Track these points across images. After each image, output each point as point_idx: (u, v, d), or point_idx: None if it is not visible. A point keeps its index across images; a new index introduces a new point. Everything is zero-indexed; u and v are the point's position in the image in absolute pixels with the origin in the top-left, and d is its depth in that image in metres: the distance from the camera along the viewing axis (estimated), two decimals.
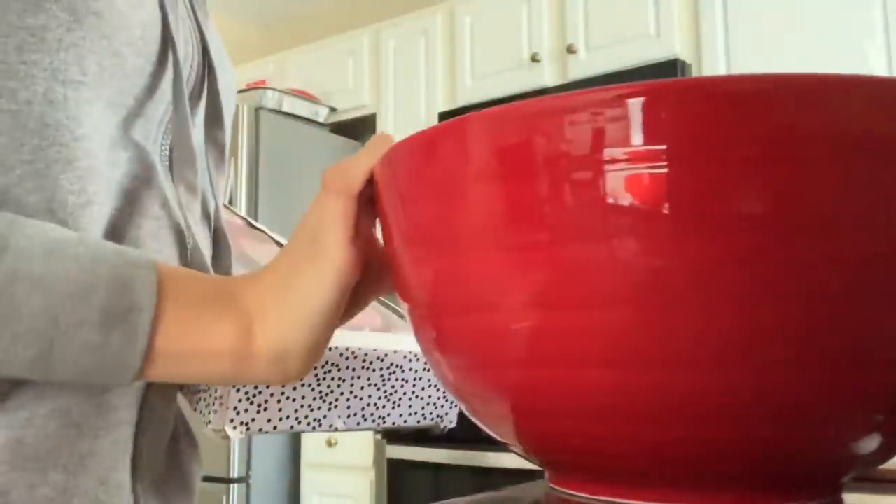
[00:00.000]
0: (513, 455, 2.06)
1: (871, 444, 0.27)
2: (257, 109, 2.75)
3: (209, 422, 0.46)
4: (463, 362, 0.31)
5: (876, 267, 0.24)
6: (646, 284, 0.26)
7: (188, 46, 0.52)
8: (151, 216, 0.48)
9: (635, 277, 0.26)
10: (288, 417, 0.47)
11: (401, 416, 0.53)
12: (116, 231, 0.46)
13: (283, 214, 2.77)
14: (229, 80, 0.60)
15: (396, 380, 0.52)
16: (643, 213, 0.25)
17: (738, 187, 0.25)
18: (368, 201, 0.40)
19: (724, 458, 0.27)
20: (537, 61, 2.62)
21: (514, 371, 0.29)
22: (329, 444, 2.62)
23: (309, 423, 0.48)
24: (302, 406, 0.48)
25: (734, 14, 2.26)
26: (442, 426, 0.56)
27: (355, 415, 0.50)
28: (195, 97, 0.54)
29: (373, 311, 0.54)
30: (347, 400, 0.50)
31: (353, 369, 0.50)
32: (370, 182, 0.38)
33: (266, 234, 0.62)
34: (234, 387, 0.45)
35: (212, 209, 0.55)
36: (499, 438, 0.34)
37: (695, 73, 2.32)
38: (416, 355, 0.52)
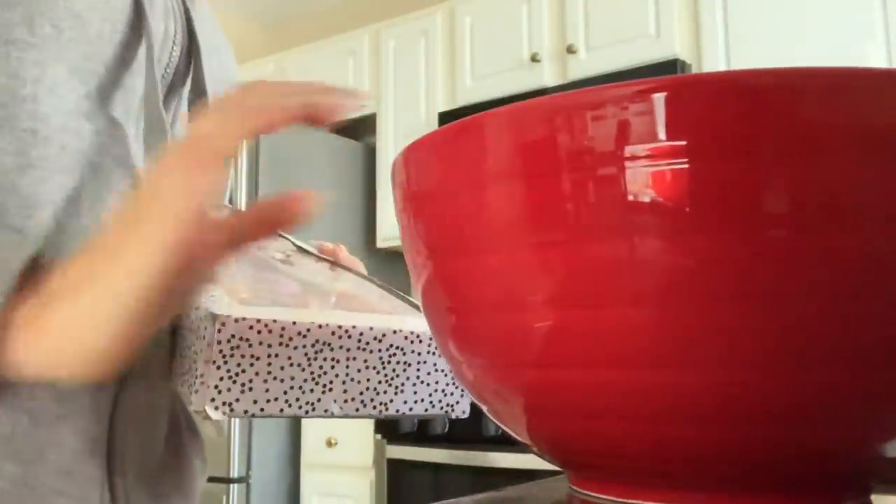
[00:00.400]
0: (513, 455, 2.06)
1: None
2: None
3: (191, 403, 0.43)
4: (483, 362, 0.31)
5: None
6: (668, 283, 0.26)
7: (169, 21, 0.51)
8: (117, 192, 0.47)
9: (658, 276, 0.26)
10: (276, 399, 0.44)
11: (405, 403, 0.49)
12: (72, 202, 0.45)
13: None
14: (225, 62, 0.59)
15: (398, 363, 0.49)
16: (665, 211, 0.25)
17: (761, 183, 0.24)
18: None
19: (750, 460, 0.27)
20: (537, 61, 2.61)
21: (536, 371, 0.29)
22: (329, 444, 2.61)
23: (301, 407, 0.45)
24: (292, 388, 0.45)
25: (734, 14, 2.26)
26: (453, 416, 0.52)
27: (353, 400, 0.47)
28: (180, 76, 0.53)
29: (383, 300, 0.52)
30: (343, 383, 0.47)
31: (348, 349, 0.47)
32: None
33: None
34: (214, 364, 0.43)
35: None
36: (519, 439, 0.34)
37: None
38: (418, 337, 0.49)
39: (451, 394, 0.51)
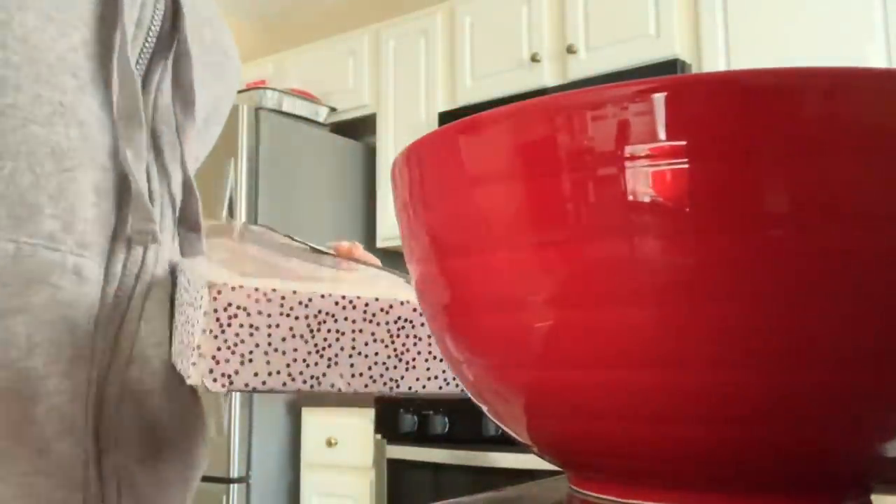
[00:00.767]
0: (512, 455, 2.06)
1: None
2: (257, 109, 2.75)
3: (189, 377, 0.42)
4: (483, 362, 0.31)
5: None
6: (668, 283, 0.26)
7: None
8: (99, 166, 0.47)
9: (657, 276, 0.26)
10: (279, 373, 0.43)
11: (417, 380, 0.47)
12: (59, 159, 0.45)
13: (283, 214, 2.77)
14: (220, 39, 0.58)
15: (407, 336, 0.47)
16: (665, 211, 0.25)
17: (761, 183, 0.24)
18: None
19: (750, 460, 0.27)
20: (537, 61, 2.62)
21: (536, 371, 0.29)
22: (329, 444, 2.61)
23: (305, 381, 0.44)
24: (295, 360, 0.43)
25: (734, 14, 2.26)
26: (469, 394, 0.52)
27: (361, 375, 0.45)
28: (164, 42, 0.52)
29: (395, 287, 0.51)
30: (350, 357, 0.45)
31: (354, 321, 0.45)
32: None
33: (298, 244, 0.59)
34: (212, 334, 0.41)
35: (178, 157, 0.53)
36: (519, 439, 0.34)
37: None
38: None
39: None
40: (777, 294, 0.25)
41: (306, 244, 0.61)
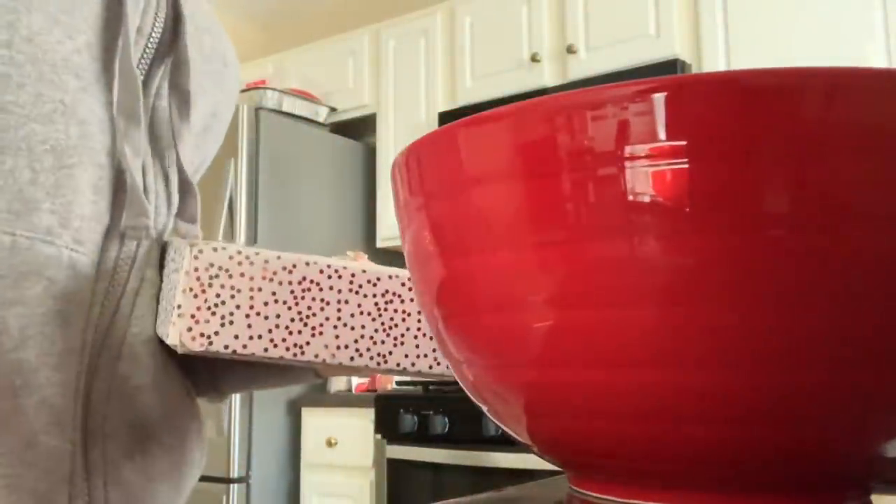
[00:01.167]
0: (512, 455, 2.06)
1: None
2: (257, 109, 2.75)
3: (168, 336, 0.42)
4: (483, 362, 0.31)
5: None
6: (668, 283, 0.26)
7: None
8: (97, 164, 0.48)
9: (658, 276, 0.26)
10: (260, 337, 0.42)
11: (406, 356, 0.46)
12: (59, 156, 0.46)
13: (284, 214, 2.77)
14: (219, 47, 0.60)
15: (395, 311, 0.46)
16: (665, 211, 0.25)
17: (761, 183, 0.24)
18: None
19: (750, 460, 0.27)
20: (537, 61, 2.62)
21: (536, 371, 0.29)
22: (329, 444, 2.61)
23: (288, 349, 0.43)
24: (277, 326, 0.43)
25: (734, 14, 2.26)
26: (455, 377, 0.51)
27: (346, 347, 0.44)
28: (164, 47, 0.54)
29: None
30: (335, 328, 0.44)
31: (339, 290, 0.44)
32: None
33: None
34: (192, 292, 0.41)
35: (173, 157, 0.54)
36: (519, 439, 0.34)
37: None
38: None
39: None
40: (777, 294, 0.25)
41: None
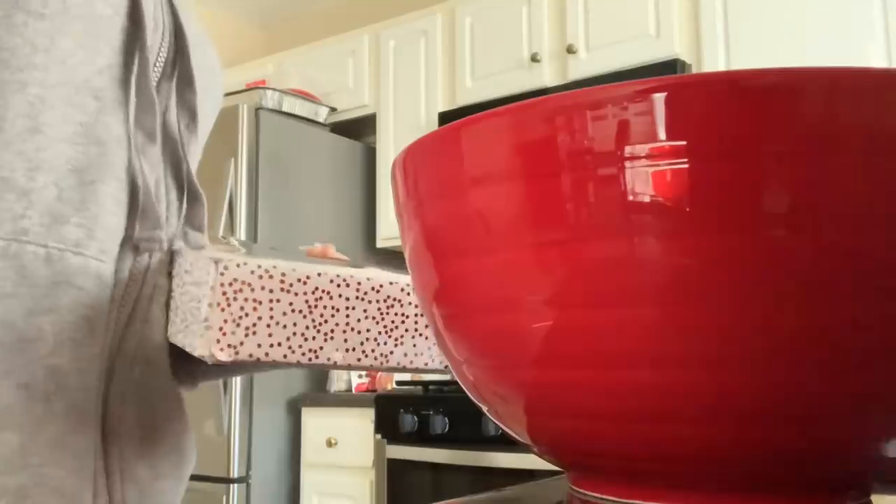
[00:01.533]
0: (512, 455, 2.06)
1: None
2: (257, 109, 2.75)
3: (196, 348, 0.45)
4: (483, 362, 0.31)
5: None
6: (668, 283, 0.26)
7: (157, 12, 0.55)
8: (117, 179, 0.51)
9: (658, 276, 0.26)
10: (280, 345, 0.46)
11: (405, 355, 0.51)
12: (81, 174, 0.48)
13: (283, 214, 2.77)
14: (209, 56, 0.63)
15: (396, 314, 0.50)
16: (665, 211, 0.25)
17: (761, 183, 0.24)
18: None
19: (750, 460, 0.27)
20: (537, 61, 2.62)
21: (536, 371, 0.29)
22: (329, 444, 2.61)
23: (304, 354, 0.47)
24: (294, 334, 0.47)
25: (734, 14, 2.26)
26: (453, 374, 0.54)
27: (353, 350, 0.49)
28: (169, 67, 0.57)
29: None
30: (344, 332, 0.48)
31: (347, 298, 0.49)
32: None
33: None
34: (219, 307, 0.44)
35: (184, 169, 0.57)
36: (520, 440, 0.34)
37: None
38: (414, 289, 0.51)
39: None
40: (777, 294, 0.25)
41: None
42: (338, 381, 2.84)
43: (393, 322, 0.50)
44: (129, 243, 0.52)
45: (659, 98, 0.25)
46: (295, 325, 0.47)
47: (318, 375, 2.87)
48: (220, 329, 0.44)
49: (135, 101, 0.52)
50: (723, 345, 0.25)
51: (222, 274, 0.45)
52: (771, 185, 0.24)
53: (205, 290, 0.45)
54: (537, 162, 0.27)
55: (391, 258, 3.13)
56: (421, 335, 0.51)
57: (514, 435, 0.34)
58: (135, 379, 0.51)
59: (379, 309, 0.50)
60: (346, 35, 3.18)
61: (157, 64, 0.55)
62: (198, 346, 0.44)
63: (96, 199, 0.49)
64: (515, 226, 0.28)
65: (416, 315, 0.51)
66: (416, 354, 0.51)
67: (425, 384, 2.39)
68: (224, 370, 0.62)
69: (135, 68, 0.52)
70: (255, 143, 2.71)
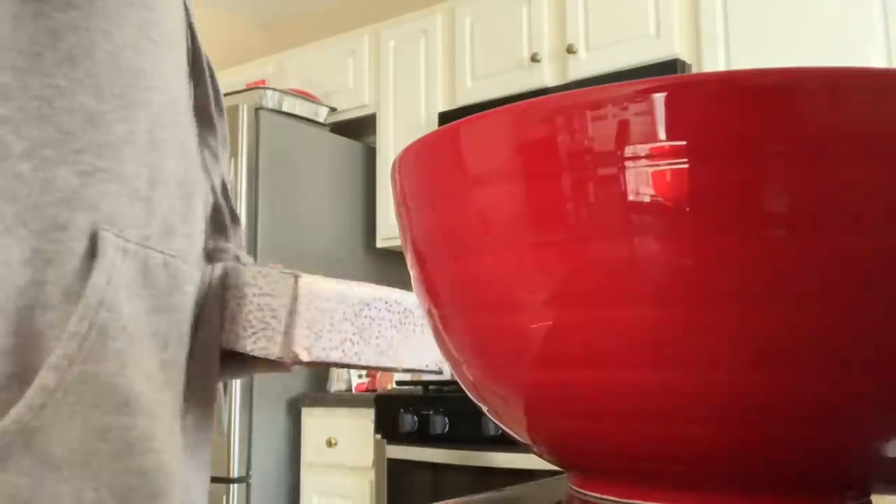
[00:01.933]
0: (512, 455, 2.06)
1: None
2: (257, 109, 2.75)
3: (274, 352, 0.53)
4: (483, 362, 0.31)
5: None
6: (668, 283, 0.26)
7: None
8: (204, 193, 0.57)
9: (658, 276, 0.26)
10: (335, 348, 0.55)
11: (413, 359, 0.60)
12: (182, 188, 0.53)
13: (283, 215, 2.77)
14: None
15: (410, 324, 0.60)
16: (665, 211, 0.25)
17: (761, 183, 0.24)
18: None
19: (750, 460, 0.27)
20: (537, 61, 2.62)
21: (536, 371, 0.29)
22: (329, 444, 2.62)
23: (351, 357, 0.56)
24: (344, 340, 0.55)
25: (734, 14, 2.26)
26: (441, 374, 0.63)
27: (382, 353, 0.58)
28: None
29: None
30: (377, 338, 0.57)
31: (379, 309, 0.58)
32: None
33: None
34: (299, 316, 0.53)
35: (227, 188, 0.63)
36: (520, 440, 0.34)
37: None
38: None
39: (440, 354, 0.60)
40: (777, 294, 0.25)
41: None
42: (337, 381, 2.83)
43: (407, 331, 0.60)
44: (204, 252, 0.57)
45: (659, 98, 0.25)
46: (345, 331, 0.55)
47: (318, 375, 2.87)
48: (299, 334, 0.53)
49: (197, 120, 0.58)
50: (722, 345, 0.25)
51: (302, 288, 0.53)
52: (771, 185, 0.24)
53: (284, 300, 0.53)
54: (537, 162, 0.27)
55: (391, 258, 3.13)
56: (423, 344, 0.61)
57: (514, 435, 0.34)
58: (197, 374, 0.56)
59: (400, 320, 0.59)
60: (346, 35, 3.18)
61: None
62: (278, 350, 0.53)
63: (194, 212, 0.55)
64: (515, 226, 0.28)
65: (422, 325, 0.61)
66: (420, 358, 0.60)
67: (425, 384, 2.39)
68: (229, 373, 0.63)
69: (196, 91, 0.58)
70: (255, 143, 2.71)
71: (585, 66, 2.51)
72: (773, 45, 2.18)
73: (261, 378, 2.63)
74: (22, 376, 0.43)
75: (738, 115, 0.24)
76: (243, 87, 3.02)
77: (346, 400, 2.60)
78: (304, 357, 0.53)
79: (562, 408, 0.29)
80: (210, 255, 0.58)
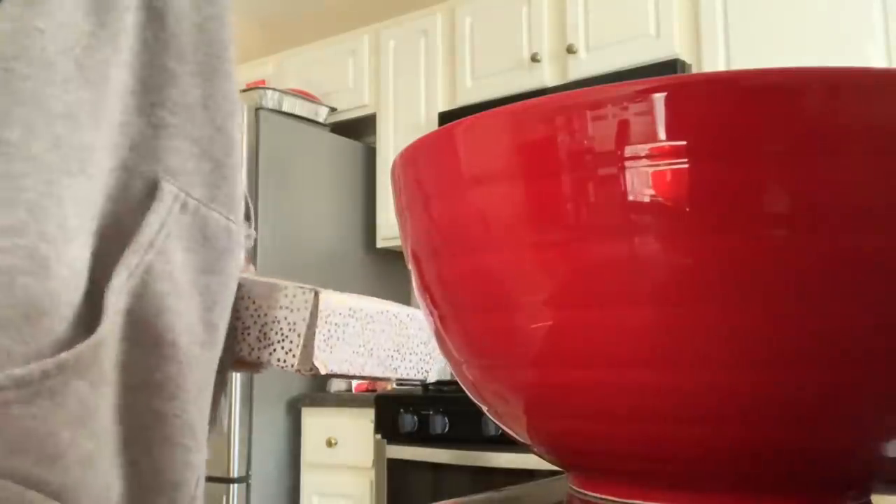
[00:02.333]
0: (512, 455, 2.06)
1: None
2: (257, 109, 2.75)
3: (292, 365, 0.55)
4: (483, 362, 0.31)
5: None
6: (668, 283, 0.26)
7: None
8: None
9: (658, 276, 0.26)
10: (346, 360, 0.57)
11: (404, 367, 0.63)
12: (237, 167, 0.55)
13: (284, 214, 2.77)
14: None
15: (402, 335, 0.63)
16: (665, 211, 0.25)
17: (761, 183, 0.24)
18: None
19: (749, 460, 0.27)
20: (537, 61, 2.62)
21: (536, 371, 0.29)
22: (329, 444, 2.62)
23: (357, 369, 0.59)
24: (352, 353, 0.58)
25: (734, 14, 2.26)
26: (427, 380, 0.68)
27: (380, 364, 0.61)
28: None
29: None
30: (378, 350, 0.61)
31: (381, 323, 0.61)
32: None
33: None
34: (317, 329, 0.55)
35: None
36: (519, 439, 0.34)
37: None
38: (409, 316, 0.64)
39: (427, 361, 0.66)
40: (777, 294, 0.25)
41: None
42: (337, 382, 2.84)
43: (400, 341, 0.63)
44: None
45: (659, 98, 0.25)
46: (353, 344, 0.58)
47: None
48: (318, 347, 0.55)
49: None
50: (722, 345, 0.25)
51: (321, 303, 0.55)
52: (771, 185, 0.24)
53: (303, 314, 0.55)
54: (537, 162, 0.27)
55: (391, 258, 3.13)
56: (413, 353, 0.64)
57: (514, 435, 0.34)
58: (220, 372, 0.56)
59: (396, 332, 0.62)
60: (346, 35, 3.18)
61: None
62: (296, 363, 0.55)
63: (236, 183, 0.56)
64: (515, 226, 0.28)
65: (411, 336, 0.64)
66: (410, 365, 0.64)
67: (425, 384, 2.39)
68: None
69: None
70: (255, 143, 2.71)
71: (585, 66, 2.51)
72: (773, 45, 2.18)
73: (261, 378, 2.63)
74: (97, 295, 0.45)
75: (739, 115, 0.24)
76: (243, 86, 3.02)
77: (347, 400, 2.60)
78: (322, 370, 0.55)
79: (562, 408, 0.29)
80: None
